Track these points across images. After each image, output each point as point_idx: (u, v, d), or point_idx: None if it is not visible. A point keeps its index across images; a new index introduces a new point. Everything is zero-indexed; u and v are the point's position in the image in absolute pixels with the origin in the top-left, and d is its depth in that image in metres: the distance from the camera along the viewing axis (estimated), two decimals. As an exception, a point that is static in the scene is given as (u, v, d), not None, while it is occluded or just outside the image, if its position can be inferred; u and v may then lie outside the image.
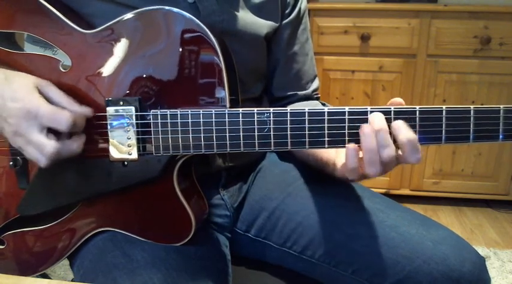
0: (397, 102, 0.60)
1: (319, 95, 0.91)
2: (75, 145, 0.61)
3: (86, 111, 0.62)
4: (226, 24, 0.73)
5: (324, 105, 0.88)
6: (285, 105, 0.86)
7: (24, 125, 0.58)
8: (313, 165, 0.79)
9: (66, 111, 0.59)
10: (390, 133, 0.58)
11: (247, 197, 0.85)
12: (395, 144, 0.58)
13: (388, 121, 0.58)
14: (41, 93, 0.60)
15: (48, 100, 0.60)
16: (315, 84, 0.90)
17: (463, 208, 2.30)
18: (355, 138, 0.59)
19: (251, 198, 0.84)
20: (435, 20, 2.02)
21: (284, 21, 0.83)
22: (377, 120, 0.57)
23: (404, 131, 0.57)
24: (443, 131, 0.58)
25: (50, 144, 0.58)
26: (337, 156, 0.69)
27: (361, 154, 0.60)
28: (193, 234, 0.67)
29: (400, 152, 0.59)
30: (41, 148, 0.58)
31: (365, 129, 0.58)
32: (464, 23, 2.01)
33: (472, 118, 0.58)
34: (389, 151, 0.58)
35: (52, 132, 0.59)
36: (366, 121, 0.58)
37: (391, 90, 2.13)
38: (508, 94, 2.06)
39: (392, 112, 0.58)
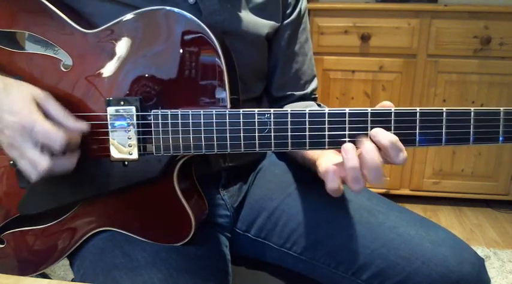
0: (387, 105, 0.59)
1: (317, 95, 0.91)
2: (69, 162, 0.61)
3: (81, 127, 0.62)
4: (227, 24, 0.73)
5: (319, 106, 0.88)
6: (283, 105, 0.87)
7: (19, 139, 0.58)
8: (301, 163, 0.79)
9: (61, 131, 0.58)
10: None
11: (247, 197, 0.85)
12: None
13: (388, 123, 0.58)
14: (39, 106, 0.59)
15: (46, 113, 0.60)
16: (314, 84, 0.90)
17: (463, 208, 2.30)
18: (356, 139, 0.59)
19: (251, 198, 0.84)
20: (435, 20, 2.02)
21: (285, 22, 0.83)
22: (364, 146, 0.57)
23: (385, 135, 0.57)
24: (444, 133, 0.58)
25: (43, 161, 0.58)
26: (319, 156, 0.68)
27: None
28: (193, 234, 0.67)
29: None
30: (34, 164, 0.58)
31: (347, 147, 0.57)
32: (464, 23, 2.01)
33: (472, 120, 0.58)
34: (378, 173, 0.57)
35: (47, 147, 0.59)
36: (366, 122, 0.58)
37: (391, 90, 2.13)
38: (508, 94, 2.06)
39: (392, 114, 0.58)
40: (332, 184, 0.59)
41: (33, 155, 0.58)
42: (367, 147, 0.57)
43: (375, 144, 0.57)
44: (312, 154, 0.72)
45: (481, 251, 1.88)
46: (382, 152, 0.57)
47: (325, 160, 0.64)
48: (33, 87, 0.61)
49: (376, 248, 0.70)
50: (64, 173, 0.61)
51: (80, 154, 0.62)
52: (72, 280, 0.79)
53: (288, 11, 0.83)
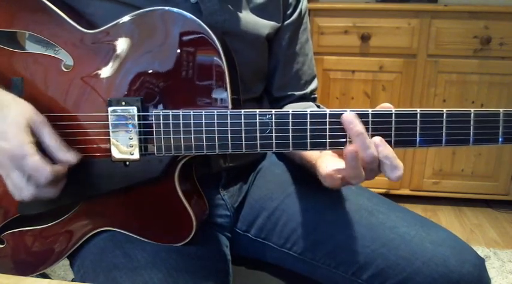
0: (387, 107, 0.60)
1: (316, 96, 0.91)
2: (53, 192, 0.62)
3: (72, 159, 0.61)
4: (228, 24, 0.73)
5: (318, 107, 0.88)
6: (283, 106, 0.87)
7: (7, 164, 0.59)
8: (299, 164, 0.79)
9: (48, 167, 0.58)
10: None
11: (247, 197, 0.85)
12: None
13: (389, 124, 0.58)
14: (33, 132, 0.60)
15: (39, 140, 0.60)
16: (314, 84, 0.90)
17: (463, 208, 2.30)
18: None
19: (251, 198, 0.84)
20: (435, 20, 2.02)
21: (286, 22, 0.83)
22: (353, 126, 0.57)
23: (383, 148, 0.57)
24: (444, 134, 0.58)
25: (28, 190, 0.59)
26: (318, 158, 0.68)
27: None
28: (194, 234, 0.67)
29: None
30: (19, 190, 0.60)
31: (349, 154, 0.57)
32: (464, 23, 2.01)
33: (472, 122, 0.58)
34: (372, 155, 0.57)
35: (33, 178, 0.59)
36: (367, 123, 0.58)
37: (391, 90, 2.13)
38: (508, 94, 2.07)
39: (393, 115, 0.58)
40: (328, 184, 0.62)
41: (19, 182, 0.59)
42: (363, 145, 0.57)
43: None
44: (310, 155, 0.72)
45: (481, 251, 1.88)
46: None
47: (324, 163, 0.65)
48: (30, 110, 0.61)
49: (376, 248, 0.70)
50: (48, 198, 0.62)
51: (66, 180, 0.63)
52: (72, 280, 0.79)
53: (289, 12, 0.83)
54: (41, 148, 0.60)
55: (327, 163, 0.64)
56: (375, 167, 0.58)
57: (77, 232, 0.69)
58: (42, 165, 0.58)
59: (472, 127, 0.58)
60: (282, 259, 0.79)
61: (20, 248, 0.71)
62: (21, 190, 0.60)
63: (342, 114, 0.58)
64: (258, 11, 0.78)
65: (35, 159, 0.58)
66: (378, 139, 0.58)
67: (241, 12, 0.75)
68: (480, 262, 0.69)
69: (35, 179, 0.59)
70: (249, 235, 0.83)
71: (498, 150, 2.14)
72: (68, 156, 0.61)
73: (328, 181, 0.63)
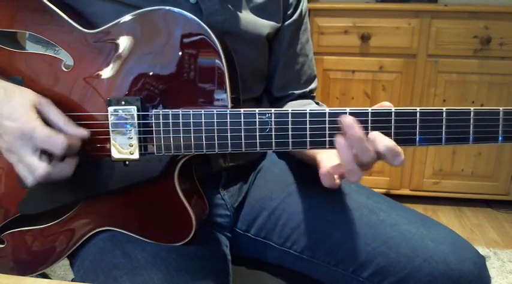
0: (387, 106, 0.60)
1: (315, 95, 0.92)
2: (67, 168, 0.61)
3: (82, 133, 0.62)
4: (228, 24, 0.73)
5: (317, 104, 0.88)
6: (283, 106, 0.87)
7: (18, 145, 0.58)
8: (299, 159, 0.79)
9: (62, 135, 0.58)
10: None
11: (247, 197, 0.85)
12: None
13: (388, 122, 0.58)
14: (39, 112, 0.60)
15: (46, 120, 0.60)
16: (313, 84, 0.90)
17: (463, 208, 2.30)
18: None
19: (251, 198, 0.84)
20: (435, 20, 2.02)
21: (286, 23, 0.83)
22: (352, 131, 0.57)
23: (381, 140, 0.57)
24: (443, 132, 0.58)
25: (42, 167, 0.58)
26: (319, 152, 0.69)
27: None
28: (194, 234, 0.67)
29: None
30: (32, 170, 0.59)
31: (340, 143, 0.57)
32: (464, 23, 2.01)
33: (472, 120, 0.58)
34: (369, 156, 0.57)
35: (45, 153, 0.59)
36: (366, 122, 0.58)
37: (391, 90, 2.13)
38: (508, 94, 2.06)
39: (393, 113, 0.58)
40: (327, 183, 0.62)
41: (32, 161, 0.58)
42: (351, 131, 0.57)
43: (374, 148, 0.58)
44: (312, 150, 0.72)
45: (481, 251, 1.88)
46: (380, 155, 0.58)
47: (326, 156, 0.65)
48: (34, 94, 0.61)
49: (376, 246, 0.70)
50: (62, 179, 0.61)
51: (78, 160, 0.62)
52: (72, 280, 0.79)
53: (289, 12, 0.83)
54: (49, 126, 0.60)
55: (326, 160, 0.64)
56: (372, 163, 0.59)
57: (77, 232, 0.69)
58: (54, 133, 0.58)
59: (471, 126, 0.58)
60: (282, 258, 0.80)
61: (20, 248, 0.71)
62: (34, 169, 0.58)
63: (341, 114, 0.58)
64: (258, 10, 0.78)
65: (45, 130, 0.58)
66: (376, 134, 0.58)
67: (241, 12, 0.75)
68: (481, 260, 0.69)
69: (50, 150, 0.58)
70: (249, 234, 0.83)
71: (498, 149, 2.14)
72: (79, 130, 0.62)
73: (326, 180, 0.63)
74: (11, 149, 0.59)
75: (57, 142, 0.58)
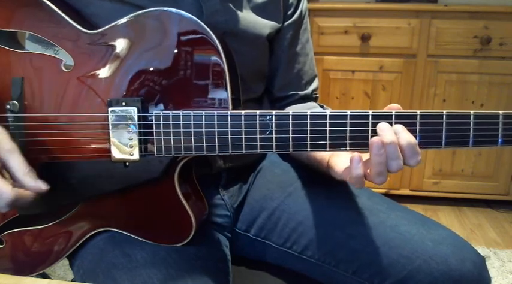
0: (395, 108, 0.60)
1: (318, 95, 0.92)
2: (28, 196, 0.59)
3: (40, 187, 0.59)
4: (229, 24, 0.73)
5: (322, 107, 0.88)
6: (284, 106, 0.87)
7: None
8: (306, 163, 0.79)
9: (9, 189, 0.56)
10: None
11: (247, 197, 0.85)
12: None
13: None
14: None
15: (6, 168, 0.58)
16: (315, 84, 0.90)
17: (463, 208, 2.30)
18: (357, 142, 0.59)
19: (251, 198, 0.84)
20: (435, 20, 2.02)
21: (287, 22, 0.83)
22: (387, 133, 0.57)
23: (404, 135, 0.57)
24: (443, 135, 0.59)
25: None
26: (332, 155, 0.69)
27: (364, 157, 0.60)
28: (194, 234, 0.67)
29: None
30: None
31: (375, 144, 0.57)
32: (464, 23, 2.01)
33: (471, 124, 0.58)
34: (399, 163, 0.58)
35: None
36: (367, 125, 0.58)
37: (391, 90, 2.13)
38: (508, 94, 2.06)
39: (393, 116, 0.58)
40: (356, 171, 0.59)
41: None
42: (388, 139, 0.57)
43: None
44: (321, 154, 0.72)
45: (481, 251, 1.88)
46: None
47: (339, 160, 0.65)
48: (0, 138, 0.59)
49: (377, 247, 0.70)
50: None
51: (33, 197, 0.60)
52: (72, 280, 0.79)
53: (290, 12, 0.83)
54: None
55: (340, 164, 0.64)
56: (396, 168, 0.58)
57: (77, 232, 0.69)
58: (2, 184, 0.56)
59: (471, 129, 0.58)
60: (282, 259, 0.80)
61: (20, 249, 0.71)
62: None
63: (342, 115, 0.58)
64: (259, 10, 0.78)
65: None
66: (400, 127, 0.58)
67: (242, 12, 0.75)
68: (480, 260, 0.69)
69: None
70: (249, 235, 0.83)
71: (498, 150, 2.14)
72: (37, 183, 0.59)
73: (352, 166, 0.60)
74: None
75: (2, 195, 0.56)
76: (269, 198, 0.82)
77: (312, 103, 0.88)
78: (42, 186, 0.60)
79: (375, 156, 0.57)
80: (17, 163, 0.59)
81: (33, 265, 0.72)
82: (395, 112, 0.58)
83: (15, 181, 0.59)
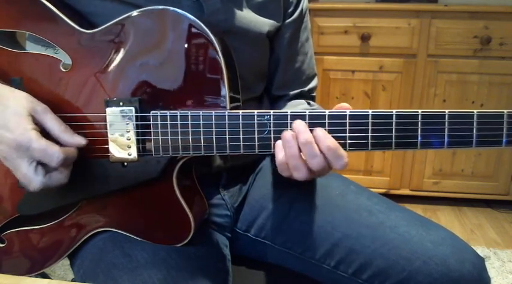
0: (345, 107, 0.59)
1: (315, 94, 0.91)
2: (63, 178, 0.61)
3: (79, 141, 0.61)
4: (229, 23, 0.72)
5: (308, 104, 0.87)
6: (282, 105, 0.86)
7: (13, 155, 0.58)
8: None
9: (57, 148, 0.58)
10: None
11: (247, 197, 0.85)
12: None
13: (390, 125, 0.58)
14: (35, 120, 0.59)
15: (43, 128, 0.60)
16: (313, 83, 0.90)
17: (463, 208, 2.30)
18: (357, 142, 0.59)
19: (251, 198, 0.84)
20: (435, 20, 2.02)
21: (287, 21, 0.82)
22: (301, 132, 0.57)
23: (324, 140, 0.57)
24: (446, 135, 0.57)
25: (37, 180, 0.58)
26: None
27: None
28: (193, 234, 0.67)
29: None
30: (28, 181, 0.59)
31: (286, 136, 0.57)
32: (464, 23, 2.01)
33: (475, 123, 0.57)
34: (318, 161, 0.57)
35: (42, 164, 0.59)
36: (367, 124, 0.58)
37: (391, 90, 2.13)
38: (508, 94, 2.06)
39: (394, 116, 0.57)
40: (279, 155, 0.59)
41: (27, 172, 0.58)
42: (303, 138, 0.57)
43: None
44: None
45: (481, 251, 1.88)
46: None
47: None
48: (29, 100, 0.60)
49: (376, 247, 0.70)
50: (58, 186, 0.61)
51: (71, 167, 0.62)
52: (72, 280, 0.79)
53: (290, 10, 0.83)
54: (46, 136, 0.59)
55: None
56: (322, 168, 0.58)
57: (76, 232, 0.69)
58: (50, 146, 0.57)
59: (475, 129, 0.57)
60: (282, 259, 0.79)
61: (20, 248, 0.71)
62: (30, 182, 0.58)
63: (341, 114, 0.58)
64: (259, 9, 0.78)
65: (41, 142, 0.57)
66: (320, 131, 0.58)
67: (242, 10, 0.75)
68: (480, 261, 0.69)
69: (46, 162, 0.58)
70: (249, 235, 0.83)
71: (498, 150, 2.14)
72: (76, 139, 0.61)
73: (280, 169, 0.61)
74: (7, 158, 0.59)
75: (53, 156, 0.57)
76: (269, 198, 0.82)
77: (300, 101, 0.87)
78: (81, 140, 0.61)
79: (286, 148, 0.57)
80: (53, 122, 0.60)
81: (34, 265, 0.72)
82: (396, 112, 0.58)
83: (55, 138, 0.60)
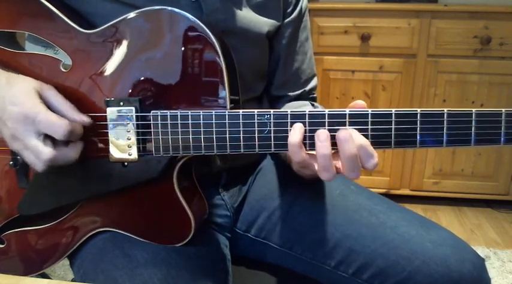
0: (361, 104, 0.59)
1: (316, 95, 0.91)
2: (72, 153, 0.61)
3: (84, 119, 0.62)
4: (229, 23, 0.72)
5: (312, 105, 0.88)
6: (281, 105, 0.86)
7: (21, 129, 0.58)
8: (288, 164, 0.79)
9: (64, 121, 0.59)
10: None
11: (247, 197, 0.85)
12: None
13: (389, 124, 0.58)
14: (42, 98, 0.60)
15: (49, 105, 0.60)
16: (313, 83, 0.90)
17: (463, 208, 2.30)
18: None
19: (251, 198, 0.84)
20: (435, 20, 2.02)
21: (286, 20, 0.82)
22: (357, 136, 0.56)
23: (357, 138, 0.56)
24: (444, 134, 0.57)
25: (46, 151, 0.58)
26: None
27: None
28: (193, 234, 0.67)
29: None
30: (37, 154, 0.59)
31: (320, 133, 0.57)
32: (464, 23, 2.01)
33: (473, 122, 0.57)
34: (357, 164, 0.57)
35: (50, 138, 0.59)
36: (366, 124, 0.58)
37: (391, 90, 2.13)
38: (508, 94, 2.06)
39: (393, 114, 0.57)
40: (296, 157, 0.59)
41: (36, 144, 0.59)
42: (342, 136, 0.56)
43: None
44: None
45: (481, 251, 1.88)
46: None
47: None
48: (36, 81, 0.62)
49: (376, 248, 0.70)
50: (67, 163, 0.61)
51: (82, 145, 0.63)
52: (72, 280, 0.79)
53: (289, 10, 0.83)
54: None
55: None
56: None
57: (76, 232, 0.69)
58: (57, 118, 0.58)
59: (473, 128, 0.57)
60: (282, 259, 0.79)
61: (20, 248, 0.71)
62: (40, 153, 0.59)
63: (341, 113, 0.58)
64: (258, 8, 0.78)
65: (48, 114, 0.58)
66: (354, 132, 0.57)
67: (241, 10, 0.75)
68: (480, 261, 0.69)
69: (53, 134, 0.58)
70: (249, 235, 0.83)
71: (498, 150, 2.14)
72: (81, 116, 0.62)
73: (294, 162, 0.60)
74: (15, 135, 0.59)
75: (60, 128, 0.58)
76: (269, 198, 0.82)
77: (304, 102, 0.87)
78: (85, 118, 0.62)
79: (319, 147, 0.56)
80: (60, 100, 0.62)
81: (33, 265, 0.72)
82: (395, 111, 0.58)
83: (61, 115, 0.60)
